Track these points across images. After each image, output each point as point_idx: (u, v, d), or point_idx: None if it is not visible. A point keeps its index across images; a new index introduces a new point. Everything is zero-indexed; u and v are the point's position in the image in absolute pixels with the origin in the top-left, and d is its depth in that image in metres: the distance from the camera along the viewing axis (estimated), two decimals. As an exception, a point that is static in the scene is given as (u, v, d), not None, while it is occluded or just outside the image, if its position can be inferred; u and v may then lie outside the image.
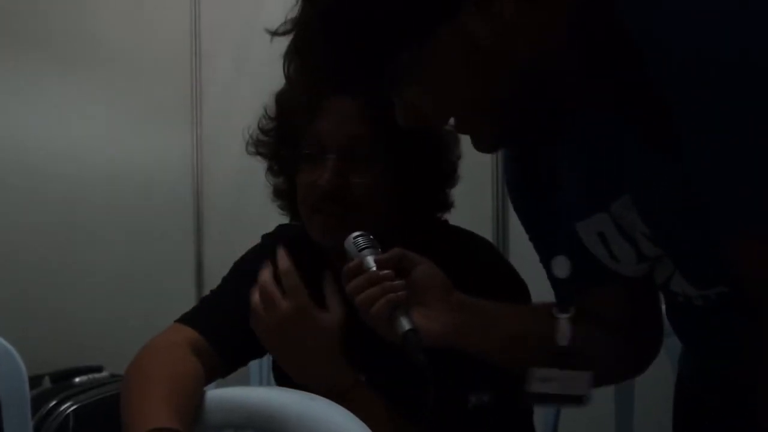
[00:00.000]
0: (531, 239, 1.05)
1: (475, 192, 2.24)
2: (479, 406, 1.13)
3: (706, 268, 0.83)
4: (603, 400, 1.65)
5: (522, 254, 2.13)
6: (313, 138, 1.18)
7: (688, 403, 1.04)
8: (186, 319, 1.21)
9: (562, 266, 0.89)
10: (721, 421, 0.95)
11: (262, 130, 1.27)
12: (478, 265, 1.18)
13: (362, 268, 0.99)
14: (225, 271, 1.31)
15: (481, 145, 0.88)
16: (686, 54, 0.69)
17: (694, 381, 1.03)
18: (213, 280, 1.30)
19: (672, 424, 1.09)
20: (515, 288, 1.21)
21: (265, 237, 1.35)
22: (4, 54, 2.69)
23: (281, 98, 1.24)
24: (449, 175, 1.25)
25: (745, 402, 0.88)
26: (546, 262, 1.03)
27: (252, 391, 1.03)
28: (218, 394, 1.04)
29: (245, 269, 1.30)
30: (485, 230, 2.21)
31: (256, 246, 1.34)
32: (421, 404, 0.95)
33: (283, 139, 1.24)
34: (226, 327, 1.20)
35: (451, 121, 0.88)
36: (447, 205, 1.27)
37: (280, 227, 1.34)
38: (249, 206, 2.83)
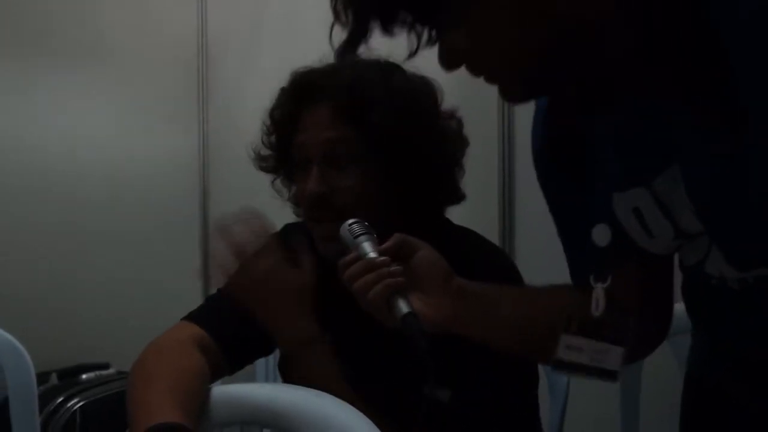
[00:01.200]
0: (552, 211, 1.03)
1: (481, 191, 2.23)
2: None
3: (752, 251, 0.80)
4: (608, 401, 1.65)
5: (528, 254, 2.14)
6: (297, 149, 1.20)
7: (702, 399, 1.02)
8: (192, 317, 1.21)
9: (602, 234, 0.87)
10: (744, 410, 0.93)
11: (264, 144, 1.29)
12: (483, 267, 1.18)
13: (359, 256, 0.99)
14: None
15: (510, 97, 0.87)
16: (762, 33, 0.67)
17: (710, 374, 1.00)
18: (219, 278, 1.30)
19: (680, 423, 1.08)
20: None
21: (271, 236, 1.35)
22: (8, 52, 2.69)
23: (273, 115, 1.26)
24: (452, 166, 1.24)
25: None
26: (566, 234, 1.02)
27: (258, 388, 1.03)
28: (224, 390, 1.04)
29: None
30: (491, 229, 2.21)
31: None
32: (420, 390, 0.95)
33: (279, 153, 1.27)
34: (231, 326, 1.20)
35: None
36: (456, 197, 1.26)
37: (288, 226, 1.35)
38: (255, 204, 2.83)
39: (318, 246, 1.21)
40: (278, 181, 1.31)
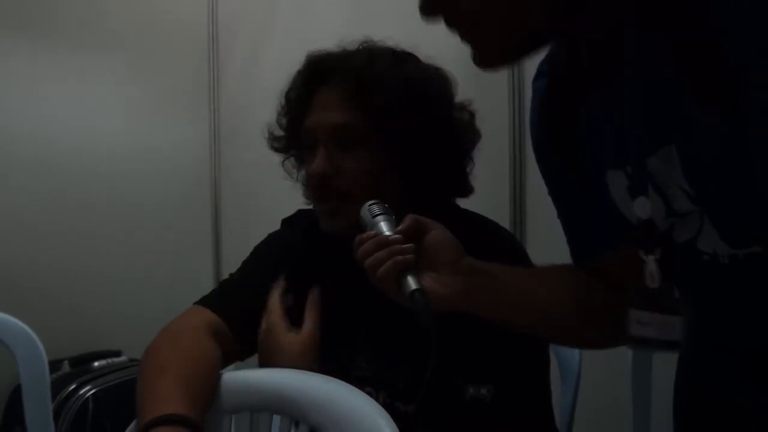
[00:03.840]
0: (551, 194, 1.04)
1: (493, 180, 2.23)
2: (476, 398, 1.12)
3: (747, 229, 0.80)
4: (619, 387, 1.65)
5: (539, 242, 2.13)
6: (306, 131, 1.22)
7: (693, 383, 1.02)
8: (205, 302, 1.21)
9: (643, 207, 0.85)
10: (732, 394, 0.93)
11: (278, 125, 1.30)
12: (493, 249, 1.18)
13: (374, 235, 0.99)
14: (242, 256, 1.31)
15: (482, 62, 0.84)
16: (758, 21, 0.66)
17: (700, 357, 1.00)
18: (230, 264, 1.31)
19: (673, 408, 1.07)
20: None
21: (284, 221, 1.36)
22: (16, 42, 2.69)
23: (287, 95, 1.28)
24: (461, 158, 1.25)
25: (760, 364, 0.87)
26: (566, 216, 1.03)
27: (269, 374, 1.02)
28: (235, 376, 1.04)
29: (264, 253, 1.31)
30: (503, 218, 2.20)
31: (276, 231, 1.35)
32: (423, 370, 0.95)
33: (290, 133, 1.28)
34: (245, 310, 1.20)
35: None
36: (464, 189, 1.27)
37: (300, 212, 1.35)
38: (265, 192, 2.84)
39: (321, 223, 1.22)
40: (288, 162, 1.32)
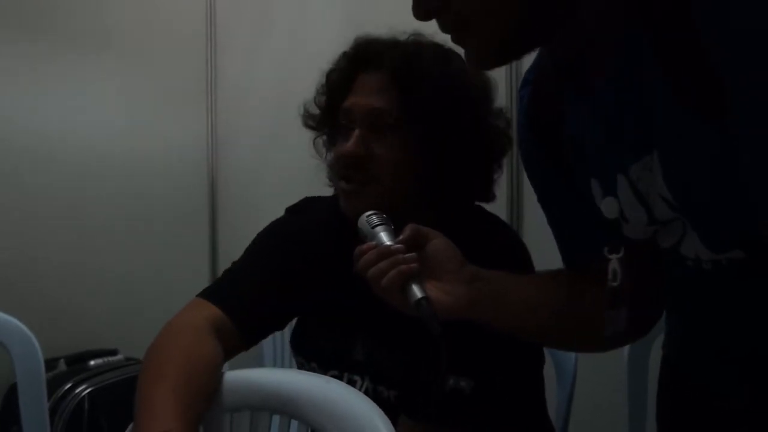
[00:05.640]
0: (540, 201, 1.05)
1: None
2: (456, 390, 1.13)
3: (728, 234, 0.80)
4: (615, 386, 1.65)
5: (536, 239, 2.14)
6: (344, 112, 1.22)
7: (677, 383, 1.02)
8: (208, 295, 1.19)
9: (611, 207, 0.87)
10: (715, 393, 0.93)
11: (315, 104, 1.31)
12: (494, 249, 1.19)
13: (375, 245, 0.99)
14: (239, 254, 1.31)
15: (475, 62, 0.85)
16: (743, 24, 0.65)
17: (684, 358, 1.00)
18: (227, 263, 1.30)
19: (657, 407, 1.07)
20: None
21: (289, 210, 1.36)
22: (18, 41, 2.68)
23: (329, 75, 1.29)
24: (488, 162, 1.25)
25: (743, 367, 0.87)
26: (556, 221, 1.04)
27: (269, 373, 1.03)
28: (235, 375, 1.04)
29: (268, 242, 1.30)
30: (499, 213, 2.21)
31: (280, 219, 1.35)
32: (435, 374, 0.95)
33: (327, 113, 1.29)
34: (248, 302, 1.19)
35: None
36: (487, 195, 1.27)
37: (306, 200, 1.36)
38: (261, 189, 2.84)
39: (341, 203, 1.22)
40: (319, 141, 1.33)
